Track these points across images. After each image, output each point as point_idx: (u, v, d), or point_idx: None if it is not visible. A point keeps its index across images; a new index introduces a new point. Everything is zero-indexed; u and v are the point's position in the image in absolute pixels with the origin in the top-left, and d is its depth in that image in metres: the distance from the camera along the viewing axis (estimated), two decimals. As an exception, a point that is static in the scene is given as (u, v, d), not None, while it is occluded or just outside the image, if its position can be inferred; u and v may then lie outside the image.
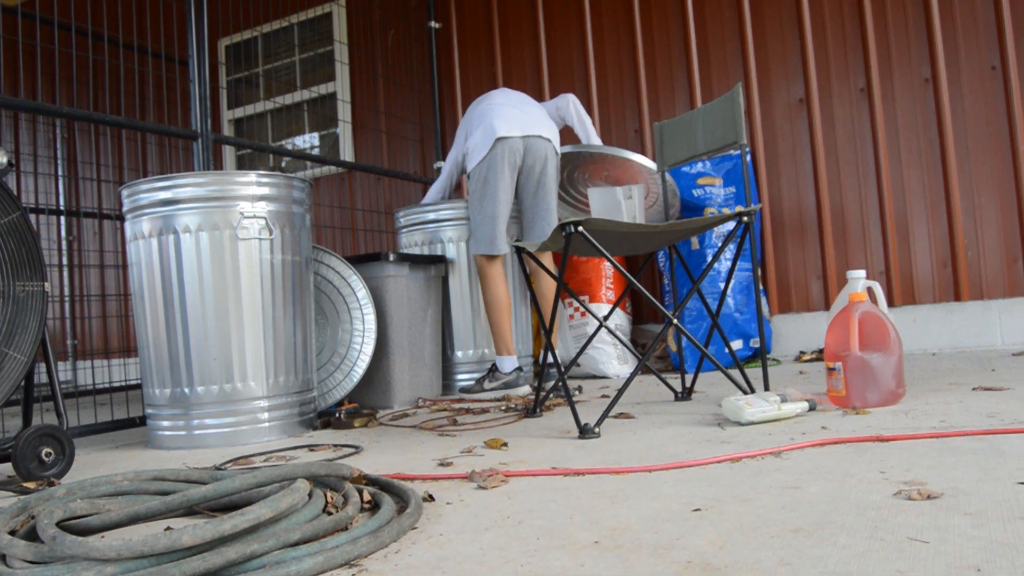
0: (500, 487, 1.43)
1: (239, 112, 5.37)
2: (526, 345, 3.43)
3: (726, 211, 3.42)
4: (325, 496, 1.25)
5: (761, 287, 3.62)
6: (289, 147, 5.19)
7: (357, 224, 4.81)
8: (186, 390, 2.30)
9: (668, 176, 3.04)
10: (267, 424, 2.34)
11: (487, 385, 2.97)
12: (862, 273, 2.20)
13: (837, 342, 2.00)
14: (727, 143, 2.41)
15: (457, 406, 2.73)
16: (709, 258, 3.29)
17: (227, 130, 5.38)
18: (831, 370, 2.01)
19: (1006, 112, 3.24)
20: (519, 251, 2.41)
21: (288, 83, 5.16)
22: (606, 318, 2.37)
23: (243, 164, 5.46)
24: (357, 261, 2.94)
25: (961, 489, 1.16)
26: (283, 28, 5.13)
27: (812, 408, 1.94)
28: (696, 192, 3.46)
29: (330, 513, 1.20)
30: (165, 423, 2.34)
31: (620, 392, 2.03)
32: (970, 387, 2.19)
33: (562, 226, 1.98)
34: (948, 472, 1.27)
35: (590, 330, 3.51)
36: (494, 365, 3.02)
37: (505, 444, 1.85)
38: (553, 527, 1.14)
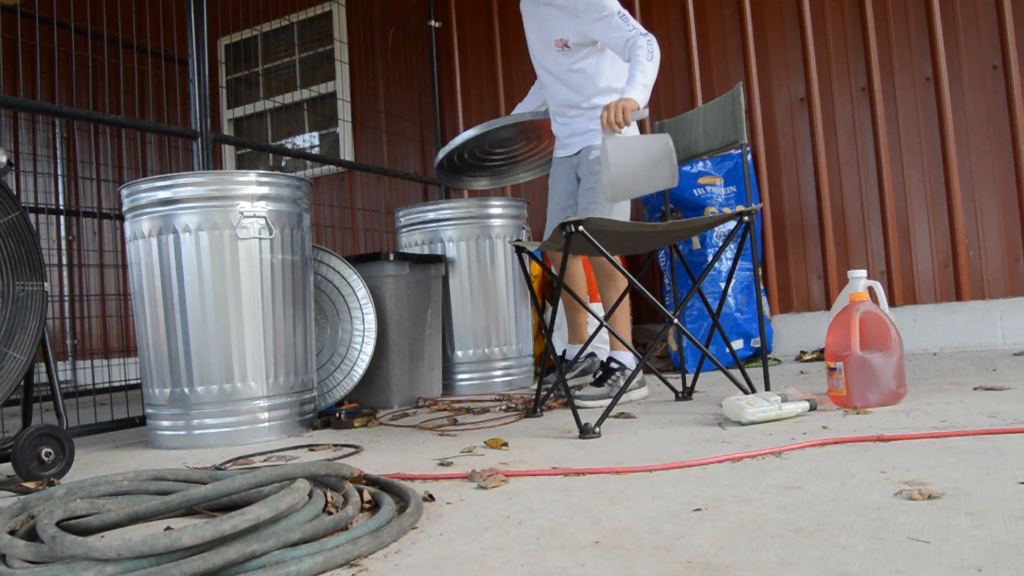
0: (500, 487, 1.43)
1: (239, 111, 5.36)
2: (527, 345, 3.42)
3: (727, 211, 3.42)
4: (325, 496, 1.25)
5: (762, 287, 3.62)
6: (289, 146, 5.19)
7: (357, 224, 4.80)
8: (186, 390, 2.30)
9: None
10: (267, 424, 2.34)
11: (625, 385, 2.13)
12: (863, 273, 2.20)
13: (838, 342, 2.00)
14: (728, 142, 2.41)
15: (457, 406, 2.73)
16: (710, 258, 3.29)
17: (227, 129, 5.37)
18: (832, 370, 2.00)
19: (1007, 111, 3.23)
20: (519, 250, 2.41)
21: (288, 82, 5.15)
22: (606, 317, 2.37)
23: (243, 164, 5.45)
24: (357, 260, 2.93)
25: (962, 489, 1.16)
26: (283, 27, 5.13)
27: (813, 408, 1.94)
28: (697, 191, 3.46)
29: (330, 513, 1.20)
30: (165, 423, 2.34)
31: (621, 392, 2.03)
32: (971, 387, 2.19)
33: (562, 225, 1.98)
34: (949, 472, 1.27)
35: (590, 330, 3.50)
36: (612, 361, 2.58)
37: (505, 444, 1.85)
38: (553, 527, 1.14)
